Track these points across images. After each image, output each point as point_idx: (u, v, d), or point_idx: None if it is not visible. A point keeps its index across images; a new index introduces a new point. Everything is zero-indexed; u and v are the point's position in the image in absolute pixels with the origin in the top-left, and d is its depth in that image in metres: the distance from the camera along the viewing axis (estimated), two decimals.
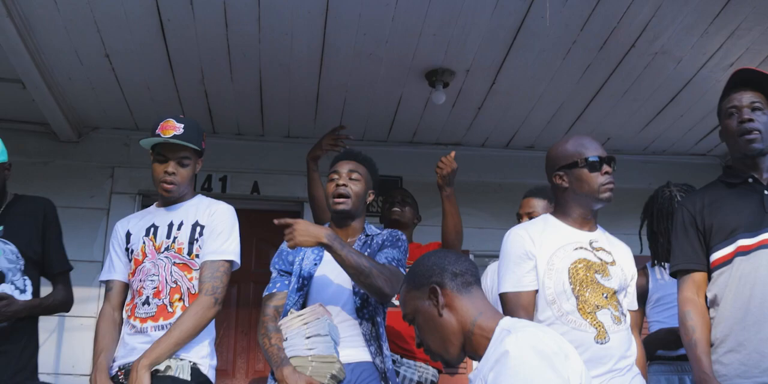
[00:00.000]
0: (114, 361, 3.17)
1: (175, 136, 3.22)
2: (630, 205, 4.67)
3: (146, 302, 3.14)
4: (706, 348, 3.02)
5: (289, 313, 3.12)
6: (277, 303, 3.28)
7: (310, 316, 3.07)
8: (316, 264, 3.28)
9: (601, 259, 3.00)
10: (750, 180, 3.11)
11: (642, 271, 3.78)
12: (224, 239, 3.24)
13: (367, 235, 3.37)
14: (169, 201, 3.34)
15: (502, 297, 3.02)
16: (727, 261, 3.05)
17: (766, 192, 3.07)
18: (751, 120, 3.06)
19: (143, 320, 3.13)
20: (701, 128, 5.42)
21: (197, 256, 3.21)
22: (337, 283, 3.21)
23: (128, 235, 3.32)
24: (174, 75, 4.76)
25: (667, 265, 3.62)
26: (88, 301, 5.17)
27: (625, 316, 2.99)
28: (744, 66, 3.17)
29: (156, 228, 3.27)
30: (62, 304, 3.60)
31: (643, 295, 3.72)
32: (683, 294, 3.13)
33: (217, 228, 3.26)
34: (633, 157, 5.79)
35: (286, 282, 3.30)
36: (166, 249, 3.22)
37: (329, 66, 4.63)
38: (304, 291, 3.25)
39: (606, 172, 3.03)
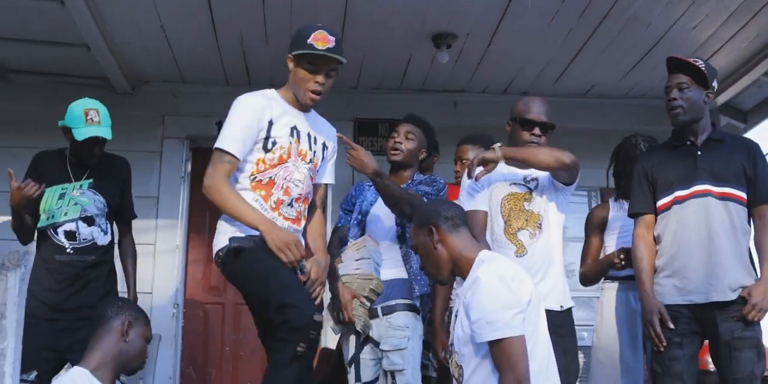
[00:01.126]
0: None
1: (329, 50, 3.35)
2: (614, 143, 5.47)
3: (290, 204, 3.42)
4: (650, 274, 3.84)
5: (349, 243, 4.03)
6: (341, 234, 4.16)
7: (360, 244, 3.96)
8: (371, 204, 4.11)
9: (528, 189, 3.84)
10: (688, 143, 3.91)
11: (605, 203, 4.59)
12: (335, 165, 3.69)
13: (412, 180, 4.14)
14: (304, 107, 3.51)
15: (465, 215, 3.88)
16: (667, 208, 3.86)
17: (698, 153, 3.85)
18: (675, 99, 3.86)
19: (286, 219, 3.41)
20: None
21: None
22: (384, 217, 4.04)
23: (271, 123, 3.41)
24: (218, 40, 5.53)
25: (625, 201, 4.46)
26: (145, 231, 5.84)
27: (542, 231, 3.79)
28: (674, 55, 3.95)
29: (299, 133, 3.46)
30: (135, 258, 4.61)
31: (602, 224, 4.50)
32: (636, 231, 3.96)
33: (335, 154, 3.66)
34: (616, 101, 6.52)
35: (349, 218, 4.17)
36: (310, 161, 3.48)
37: (349, 31, 5.36)
38: (362, 224, 4.12)
39: (534, 134, 3.85)
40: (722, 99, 6.38)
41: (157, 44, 5.58)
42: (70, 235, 4.20)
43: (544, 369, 3.00)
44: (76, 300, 4.14)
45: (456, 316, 3.09)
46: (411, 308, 3.92)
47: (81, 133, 4.20)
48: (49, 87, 6.09)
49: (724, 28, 5.36)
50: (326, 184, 3.66)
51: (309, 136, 3.47)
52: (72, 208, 4.24)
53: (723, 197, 3.79)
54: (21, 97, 6.09)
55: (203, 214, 6.32)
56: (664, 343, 3.71)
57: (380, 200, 4.03)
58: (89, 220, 4.27)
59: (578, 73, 6.04)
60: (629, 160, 4.57)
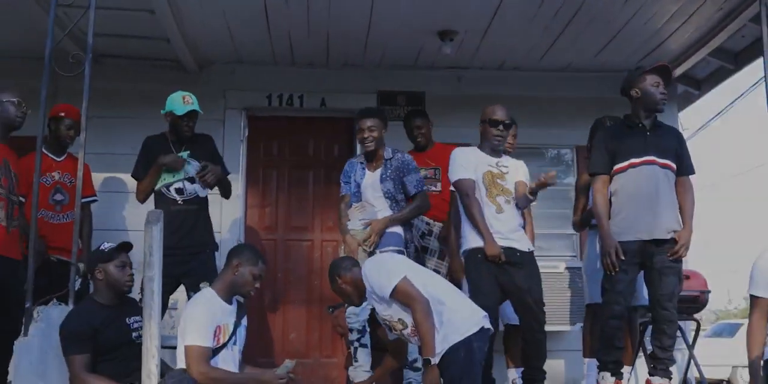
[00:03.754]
0: None
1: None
2: (588, 109, 6.91)
3: None
4: (607, 218, 5.27)
5: (353, 206, 5.62)
6: (347, 200, 5.73)
7: (360, 207, 5.57)
8: (362, 178, 5.70)
9: (500, 171, 5.37)
10: (640, 125, 5.37)
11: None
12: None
13: (386, 160, 5.69)
14: None
15: (458, 182, 5.41)
16: (623, 170, 5.32)
17: (647, 133, 5.33)
18: (665, 93, 5.34)
19: None
20: (637, 55, 7.39)
21: None
22: (374, 189, 5.64)
23: None
24: (270, 32, 6.89)
25: None
26: None
27: (514, 199, 5.35)
28: (662, 62, 5.49)
29: None
30: (229, 189, 6.08)
31: (587, 186, 5.77)
32: (596, 186, 5.38)
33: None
34: (591, 74, 7.71)
35: (348, 188, 5.74)
36: None
37: (374, 27, 6.75)
38: (358, 192, 5.69)
39: (500, 130, 5.37)
40: (679, 71, 7.69)
41: (222, 36, 6.99)
42: (179, 191, 5.70)
43: (432, 284, 4.60)
44: (186, 240, 5.60)
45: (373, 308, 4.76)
46: (400, 253, 5.49)
47: (182, 110, 5.70)
48: (132, 68, 7.40)
49: (668, 24, 6.72)
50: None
51: None
52: (178, 172, 5.75)
53: (664, 167, 5.29)
54: (111, 76, 7.17)
55: (258, 170, 7.80)
56: (617, 269, 5.16)
57: (368, 175, 5.70)
58: (191, 180, 5.74)
59: (557, 55, 7.38)
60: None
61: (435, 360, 4.37)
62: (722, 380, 13.51)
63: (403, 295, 4.44)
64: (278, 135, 7.94)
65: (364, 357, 5.46)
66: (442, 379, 4.40)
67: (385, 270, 4.56)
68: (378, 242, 5.52)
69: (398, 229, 5.63)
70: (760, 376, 4.27)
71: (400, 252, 5.51)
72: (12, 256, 5.16)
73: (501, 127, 5.43)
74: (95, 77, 5.59)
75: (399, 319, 4.56)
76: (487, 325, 4.56)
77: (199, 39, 7.06)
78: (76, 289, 5.10)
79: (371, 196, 5.64)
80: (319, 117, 7.87)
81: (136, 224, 6.72)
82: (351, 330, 5.53)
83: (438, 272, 5.89)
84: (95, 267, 4.76)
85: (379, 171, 5.76)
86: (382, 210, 5.65)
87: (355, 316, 5.49)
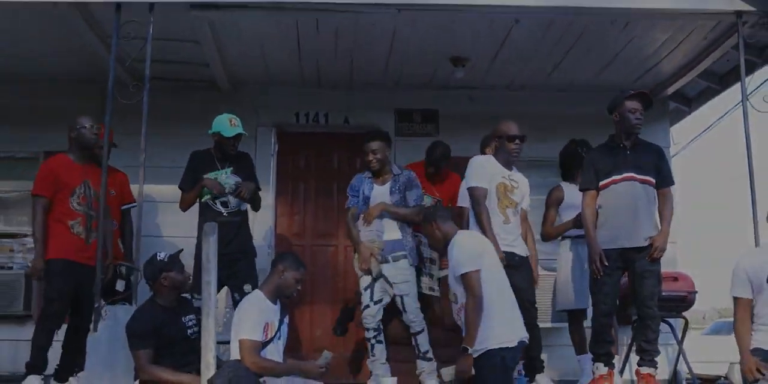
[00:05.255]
0: None
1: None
2: (590, 124, 7.32)
3: None
4: (594, 228, 5.81)
5: (361, 217, 6.24)
6: (353, 212, 6.32)
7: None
8: (370, 190, 6.28)
9: (512, 184, 5.92)
10: (621, 145, 5.91)
11: (559, 187, 6.63)
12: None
13: (394, 175, 6.30)
14: None
15: (472, 188, 5.92)
16: (607, 186, 5.86)
17: (628, 152, 5.85)
18: (640, 119, 5.83)
19: None
20: (634, 75, 8.06)
21: None
22: (383, 199, 6.23)
23: None
24: (300, 58, 7.61)
25: (572, 184, 6.49)
26: None
27: (518, 212, 5.92)
28: (642, 89, 6.07)
29: None
30: (259, 204, 6.65)
31: (558, 201, 6.52)
32: (585, 201, 5.94)
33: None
34: (590, 93, 8.08)
35: (356, 201, 6.33)
36: None
37: (394, 53, 7.44)
38: (366, 205, 6.28)
39: (517, 143, 5.92)
40: (671, 90, 8.38)
41: (256, 61, 7.69)
42: (224, 204, 6.26)
43: (499, 289, 5.20)
44: (230, 247, 6.06)
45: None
46: (406, 257, 6.21)
47: (230, 132, 6.25)
48: (172, 89, 7.83)
49: (660, 50, 7.40)
50: None
51: None
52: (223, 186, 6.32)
53: (643, 182, 5.81)
54: (153, 96, 7.65)
55: (287, 181, 8.39)
56: (602, 274, 5.72)
57: (376, 189, 6.30)
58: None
59: (560, 75, 8.04)
60: (568, 156, 6.71)
61: (471, 352, 5.01)
62: (720, 376, 14.10)
63: (467, 283, 5.05)
64: (305, 149, 8.54)
65: (380, 352, 6.14)
66: (474, 372, 5.04)
67: (468, 254, 5.14)
68: (373, 222, 6.24)
69: (398, 235, 6.26)
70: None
71: (404, 256, 6.21)
72: (90, 263, 5.90)
73: (518, 141, 5.96)
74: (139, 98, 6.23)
75: (454, 294, 5.26)
76: (526, 340, 5.24)
77: (236, 63, 7.74)
78: (122, 290, 5.95)
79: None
80: (342, 133, 8.46)
81: (174, 231, 7.49)
82: (368, 329, 6.17)
83: (431, 276, 6.64)
84: (160, 276, 5.40)
85: (388, 184, 6.35)
86: (388, 219, 6.27)
87: (372, 317, 6.16)
